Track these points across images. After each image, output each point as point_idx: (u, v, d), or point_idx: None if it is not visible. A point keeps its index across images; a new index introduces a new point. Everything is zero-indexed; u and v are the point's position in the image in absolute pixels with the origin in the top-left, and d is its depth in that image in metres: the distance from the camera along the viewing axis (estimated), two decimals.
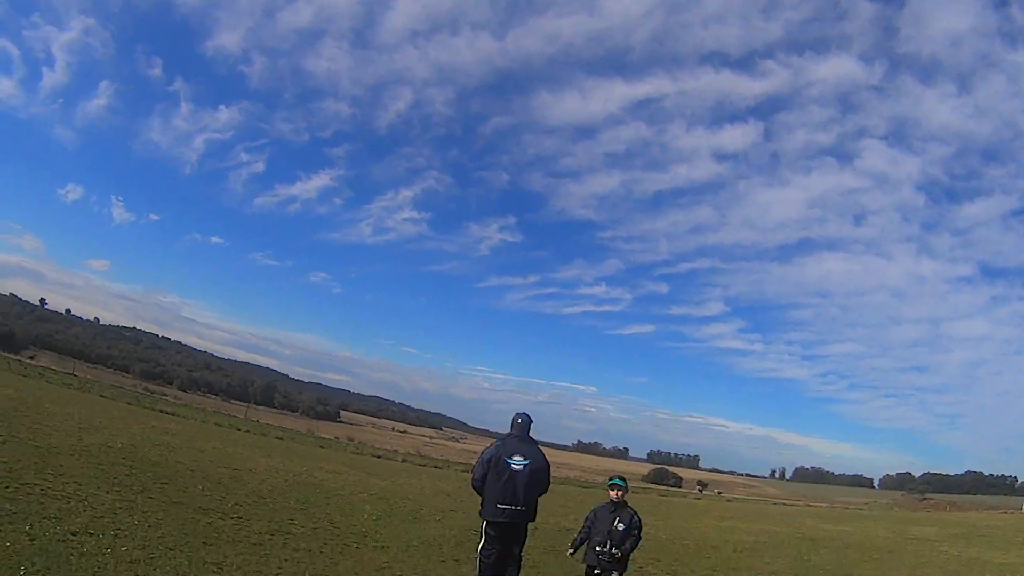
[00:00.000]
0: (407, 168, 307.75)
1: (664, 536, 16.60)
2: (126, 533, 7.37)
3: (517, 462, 8.14)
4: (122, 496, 9.14)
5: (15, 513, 7.00)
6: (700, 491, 79.43)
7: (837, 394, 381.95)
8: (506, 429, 8.43)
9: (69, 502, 8.05)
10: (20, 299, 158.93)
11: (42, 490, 8.32)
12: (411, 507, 14.57)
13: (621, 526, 8.04)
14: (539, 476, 8.33)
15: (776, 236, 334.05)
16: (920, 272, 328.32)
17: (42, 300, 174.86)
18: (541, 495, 8.47)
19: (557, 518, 15.65)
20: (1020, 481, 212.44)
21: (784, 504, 52.78)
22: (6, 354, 42.09)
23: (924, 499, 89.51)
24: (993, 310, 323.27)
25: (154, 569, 6.40)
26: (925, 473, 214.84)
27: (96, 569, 5.98)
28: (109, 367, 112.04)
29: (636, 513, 8.24)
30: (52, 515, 7.31)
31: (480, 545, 8.23)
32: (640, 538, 8.14)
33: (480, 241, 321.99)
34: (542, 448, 8.56)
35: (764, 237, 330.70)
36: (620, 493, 8.29)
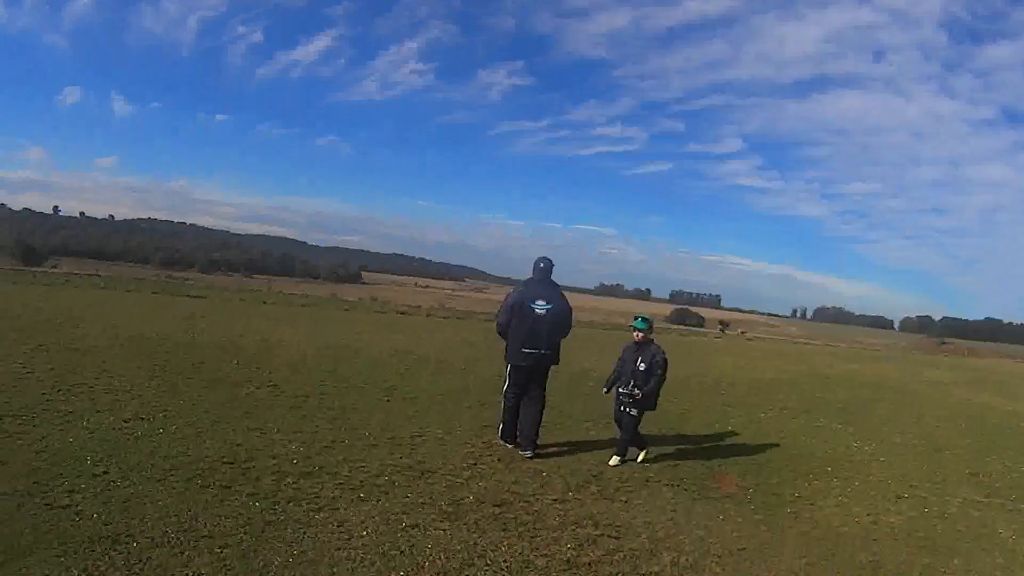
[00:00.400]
0: (409, 20, 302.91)
1: (682, 374, 16.95)
2: (173, 414, 8.13)
3: (540, 306, 8.44)
4: (164, 381, 9.88)
5: (71, 412, 7.75)
6: (721, 331, 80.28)
7: (855, 233, 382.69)
8: (527, 275, 8.71)
9: (117, 395, 8.77)
10: (34, 212, 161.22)
11: (91, 387, 9.04)
12: (437, 359, 15.34)
13: (643, 366, 8.40)
14: (561, 319, 8.64)
15: (792, 71, 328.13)
16: (940, 112, 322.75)
17: (55, 208, 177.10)
18: (564, 338, 8.79)
19: (580, 360, 16.32)
20: None
21: (803, 343, 53.53)
22: (29, 268, 42.61)
23: (943, 343, 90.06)
24: (1015, 155, 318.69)
25: (203, 442, 7.17)
26: (944, 317, 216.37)
27: (153, 448, 6.75)
28: (129, 261, 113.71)
29: (659, 352, 8.56)
30: (104, 408, 8.08)
31: (504, 388, 8.69)
32: (664, 376, 8.50)
33: (489, 88, 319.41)
34: (564, 292, 8.81)
35: (780, 73, 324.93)
36: (640, 335, 8.62)
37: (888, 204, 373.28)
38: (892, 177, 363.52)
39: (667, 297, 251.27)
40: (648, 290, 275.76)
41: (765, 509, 7.33)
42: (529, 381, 8.58)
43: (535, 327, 8.39)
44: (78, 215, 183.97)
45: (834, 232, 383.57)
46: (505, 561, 5.16)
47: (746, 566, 5.72)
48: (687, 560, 5.64)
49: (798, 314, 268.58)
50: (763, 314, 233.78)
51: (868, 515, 7.54)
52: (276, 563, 4.59)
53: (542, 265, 8.73)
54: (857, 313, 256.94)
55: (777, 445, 10.48)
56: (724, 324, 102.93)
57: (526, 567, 5.12)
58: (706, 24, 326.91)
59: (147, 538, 4.70)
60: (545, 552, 5.43)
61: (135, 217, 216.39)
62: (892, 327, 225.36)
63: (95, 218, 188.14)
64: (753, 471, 8.86)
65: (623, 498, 7.15)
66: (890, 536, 6.97)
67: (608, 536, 5.95)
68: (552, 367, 8.80)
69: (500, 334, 8.69)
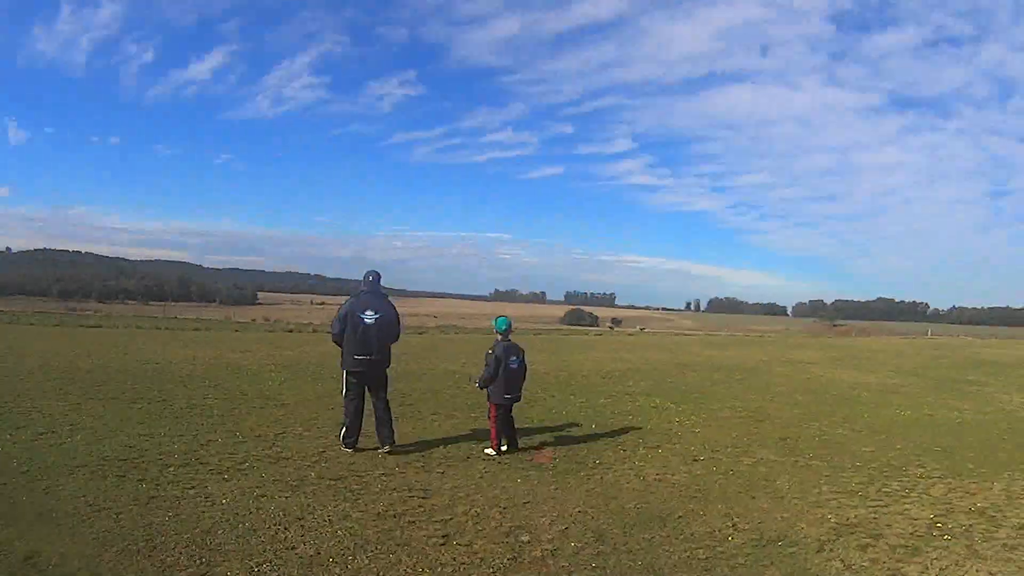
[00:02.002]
0: (301, 33, 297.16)
1: (543, 369, 18.73)
2: (79, 427, 9.64)
3: (369, 316, 9.26)
4: (69, 402, 11.30)
5: None
6: (611, 328, 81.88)
7: (748, 224, 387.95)
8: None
9: (31, 415, 10.21)
10: None
11: (10, 409, 10.50)
12: (314, 370, 16.65)
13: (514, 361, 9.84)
14: (389, 328, 9.51)
15: (681, 70, 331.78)
16: (828, 101, 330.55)
17: None
18: (393, 343, 9.72)
19: (446, 364, 18.03)
20: (931, 308, 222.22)
21: (687, 335, 55.22)
22: None
23: (835, 325, 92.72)
24: (904, 139, 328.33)
25: (103, 446, 8.74)
26: (837, 300, 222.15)
27: (63, 452, 8.35)
28: (28, 293, 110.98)
29: (491, 348, 9.82)
30: (22, 425, 9.56)
31: (344, 393, 9.52)
32: (493, 369, 9.59)
33: (381, 99, 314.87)
34: (393, 301, 9.81)
35: (669, 71, 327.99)
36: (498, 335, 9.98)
37: (780, 194, 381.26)
38: (782, 167, 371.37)
39: (562, 299, 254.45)
40: (543, 293, 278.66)
41: (564, 474, 8.72)
42: (367, 386, 9.50)
43: (365, 335, 9.27)
44: None
45: (726, 224, 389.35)
46: (329, 515, 6.70)
47: (525, 513, 7.11)
48: (477, 511, 7.10)
49: (692, 306, 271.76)
50: (657, 309, 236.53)
51: (657, 475, 8.81)
52: (157, 522, 6.22)
53: (371, 278, 9.60)
54: (751, 302, 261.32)
55: (604, 423, 12.06)
56: (616, 321, 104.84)
57: (344, 518, 6.64)
58: (595, 27, 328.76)
59: (63, 512, 6.33)
60: (363, 508, 6.97)
61: (32, 248, 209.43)
62: (786, 313, 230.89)
63: None
64: (570, 445, 10.35)
65: (440, 470, 8.64)
66: (668, 490, 8.20)
67: (417, 497, 7.46)
68: (387, 368, 9.74)
69: (335, 342, 9.55)
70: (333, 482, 7.84)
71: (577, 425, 11.86)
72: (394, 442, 9.39)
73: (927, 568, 6.05)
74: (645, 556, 6.10)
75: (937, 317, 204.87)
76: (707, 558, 6.10)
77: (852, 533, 6.89)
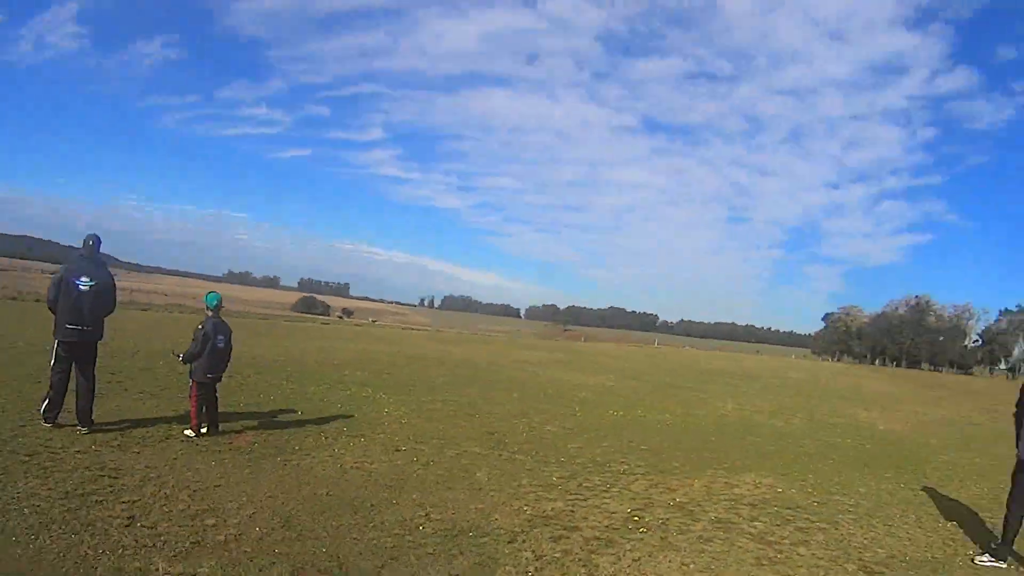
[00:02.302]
0: None
1: (262, 354, 18.81)
2: None
3: (84, 283, 8.68)
4: None
5: None
6: (341, 318, 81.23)
7: (491, 226, 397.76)
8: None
9: None
10: None
11: None
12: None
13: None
14: (104, 297, 8.97)
15: (445, 66, 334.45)
16: (586, 117, 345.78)
17: None
18: (107, 315, 9.17)
19: (163, 342, 17.11)
20: (661, 320, 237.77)
21: (415, 329, 56.02)
22: None
23: (566, 330, 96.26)
24: (651, 161, 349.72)
25: None
26: (571, 306, 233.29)
27: None
28: None
29: (201, 324, 9.54)
30: None
31: (51, 363, 8.79)
32: (199, 346, 9.33)
33: (141, 59, 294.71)
34: (111, 269, 9.31)
35: (433, 66, 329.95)
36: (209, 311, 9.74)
37: (527, 199, 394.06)
38: (532, 174, 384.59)
39: (296, 285, 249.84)
40: (277, 278, 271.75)
41: (260, 458, 8.55)
42: (77, 358, 8.85)
43: (78, 303, 8.67)
44: None
45: (470, 224, 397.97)
46: (18, 493, 6.24)
47: (215, 496, 6.92)
48: (166, 492, 6.81)
49: (426, 302, 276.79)
50: (392, 303, 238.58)
51: (355, 463, 8.77)
52: None
53: (90, 243, 9.04)
54: (485, 302, 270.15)
55: (312, 411, 11.85)
56: (347, 312, 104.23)
57: (32, 496, 6.19)
58: (369, 12, 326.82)
59: None
60: (52, 487, 6.52)
61: None
62: (519, 315, 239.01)
63: None
64: (272, 430, 10.11)
65: (136, 450, 8.22)
66: (364, 478, 8.17)
67: (108, 476, 7.06)
68: (99, 342, 9.12)
69: (51, 309, 8.84)
70: (27, 458, 7.33)
71: (285, 411, 11.64)
72: (92, 422, 8.88)
73: (620, 559, 6.31)
74: (331, 543, 6.03)
75: (666, 328, 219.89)
76: (394, 547, 6.09)
77: (547, 525, 7.08)
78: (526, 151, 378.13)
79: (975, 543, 8.17)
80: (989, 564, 7.37)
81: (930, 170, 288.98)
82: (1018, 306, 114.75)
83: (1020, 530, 7.52)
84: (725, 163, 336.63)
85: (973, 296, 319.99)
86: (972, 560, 7.45)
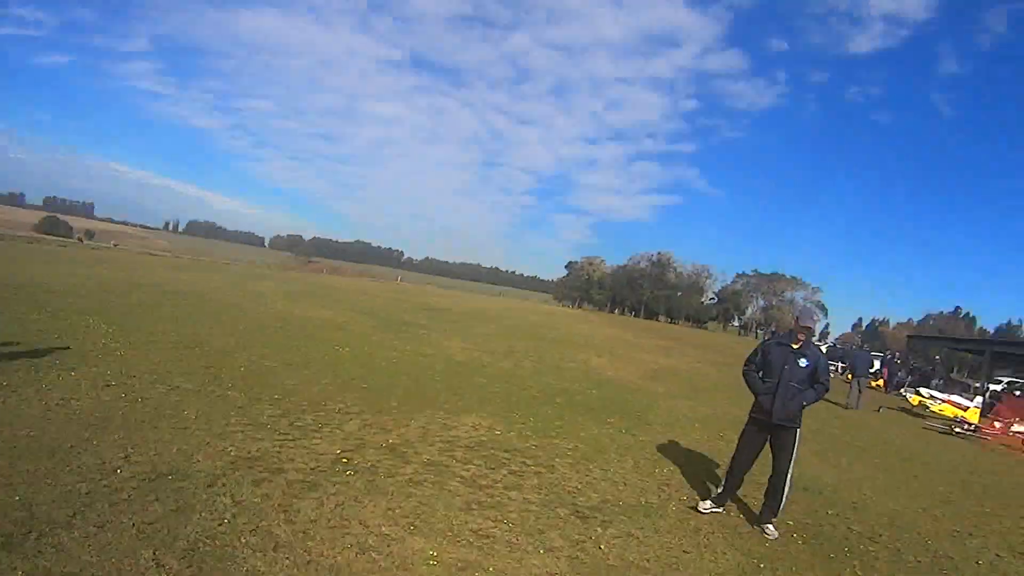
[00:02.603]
0: None
1: None
2: None
3: None
4: None
5: None
6: (81, 241, 77.13)
7: (243, 150, 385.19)
8: None
9: None
10: None
11: None
12: None
13: None
14: None
15: None
16: (354, 47, 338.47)
17: None
18: None
19: None
20: (406, 256, 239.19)
21: (154, 255, 53.89)
22: None
23: (310, 261, 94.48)
24: (413, 98, 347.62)
25: None
26: (316, 237, 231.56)
27: None
28: None
29: None
30: None
31: None
32: None
33: None
34: None
35: None
36: None
37: (281, 124, 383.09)
38: (291, 99, 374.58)
39: (41, 204, 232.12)
40: (21, 195, 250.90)
41: None
42: None
43: None
44: None
45: (223, 147, 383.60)
46: None
47: None
48: None
49: (170, 226, 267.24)
50: (136, 225, 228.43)
51: (60, 400, 8.02)
52: None
53: None
54: (230, 228, 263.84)
55: (27, 342, 10.75)
56: (89, 234, 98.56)
57: None
58: None
59: None
60: None
61: None
62: (263, 244, 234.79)
63: None
64: None
65: None
66: (68, 416, 7.52)
67: None
68: None
69: None
70: None
71: None
72: None
73: (322, 504, 6.17)
74: (25, 490, 5.53)
75: (411, 266, 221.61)
76: (89, 492, 5.66)
77: (251, 467, 6.81)
78: (288, 75, 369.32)
79: (691, 488, 8.65)
80: (710, 511, 7.75)
81: (686, 138, 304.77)
82: (754, 270, 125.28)
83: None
84: (487, 108, 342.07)
85: (713, 258, 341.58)
86: (696, 507, 7.77)
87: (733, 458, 8.00)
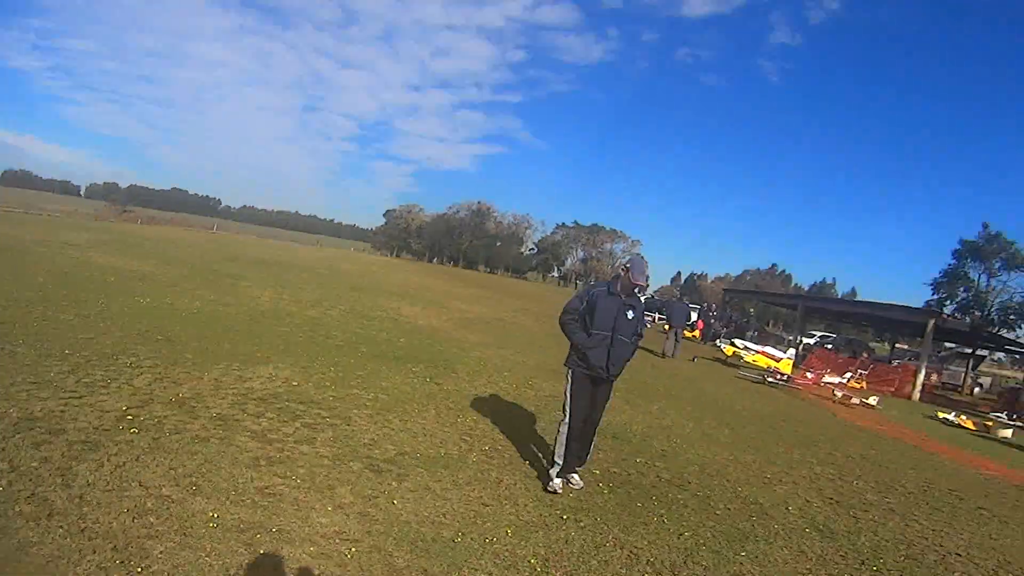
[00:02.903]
0: None
1: None
2: None
3: None
4: None
5: None
6: None
7: (62, 92, 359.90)
8: None
9: None
10: None
11: None
12: None
13: None
14: None
15: None
16: None
17: None
18: None
19: None
20: (224, 204, 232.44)
21: None
22: None
23: (125, 211, 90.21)
24: (238, 39, 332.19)
25: None
26: (133, 185, 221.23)
27: None
28: None
29: None
30: None
31: None
32: None
33: None
34: None
35: None
36: None
37: (101, 65, 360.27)
38: (111, 37, 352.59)
39: None
40: None
41: None
42: None
43: None
44: None
45: (41, 89, 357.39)
46: None
47: None
48: None
49: None
50: None
51: None
52: None
53: None
54: (46, 177, 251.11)
55: None
56: None
57: None
58: None
59: None
60: None
61: None
62: (79, 193, 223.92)
63: None
64: None
65: None
66: None
67: None
68: None
69: None
70: None
71: None
72: None
73: (102, 465, 5.87)
74: None
75: (228, 214, 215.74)
76: None
77: (32, 429, 6.40)
78: (110, 11, 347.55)
79: (491, 439, 8.71)
80: (566, 487, 7.44)
81: (512, 89, 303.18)
82: (574, 222, 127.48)
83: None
84: (310, 50, 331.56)
85: (536, 210, 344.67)
86: (547, 488, 7.28)
87: (569, 424, 7.44)
